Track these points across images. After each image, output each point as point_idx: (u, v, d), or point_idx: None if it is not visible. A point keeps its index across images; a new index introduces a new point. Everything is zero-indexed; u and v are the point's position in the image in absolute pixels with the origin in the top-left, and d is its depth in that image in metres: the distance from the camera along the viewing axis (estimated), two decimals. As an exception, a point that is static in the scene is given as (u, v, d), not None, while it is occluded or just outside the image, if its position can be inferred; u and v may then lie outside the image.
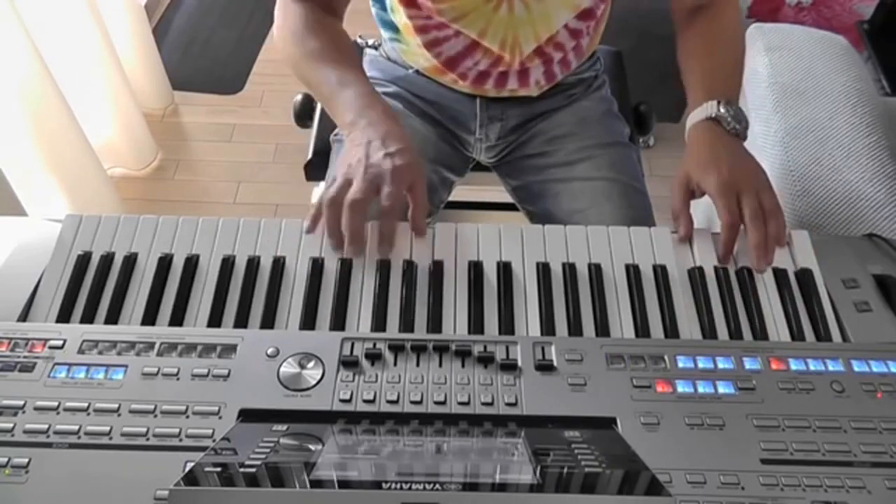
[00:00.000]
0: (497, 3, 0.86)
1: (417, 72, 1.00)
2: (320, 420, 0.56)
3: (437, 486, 0.43)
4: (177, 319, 0.67)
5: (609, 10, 0.98)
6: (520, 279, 0.70)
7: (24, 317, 0.66)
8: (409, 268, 0.70)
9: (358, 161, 0.71)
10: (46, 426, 0.55)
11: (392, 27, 0.97)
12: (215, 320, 0.67)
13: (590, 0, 0.89)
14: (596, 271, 0.71)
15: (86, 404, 0.56)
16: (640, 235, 0.74)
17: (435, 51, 0.93)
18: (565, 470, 0.47)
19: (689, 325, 0.68)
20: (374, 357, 0.60)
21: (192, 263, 0.70)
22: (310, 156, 1.16)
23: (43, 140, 1.48)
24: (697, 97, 0.82)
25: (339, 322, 0.67)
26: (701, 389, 0.59)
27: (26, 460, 0.53)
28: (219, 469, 0.47)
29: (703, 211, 0.76)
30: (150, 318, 0.67)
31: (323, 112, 1.18)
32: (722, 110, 0.79)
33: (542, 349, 0.61)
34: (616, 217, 0.92)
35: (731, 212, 0.72)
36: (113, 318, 0.67)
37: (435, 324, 0.67)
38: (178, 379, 0.58)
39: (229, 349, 0.61)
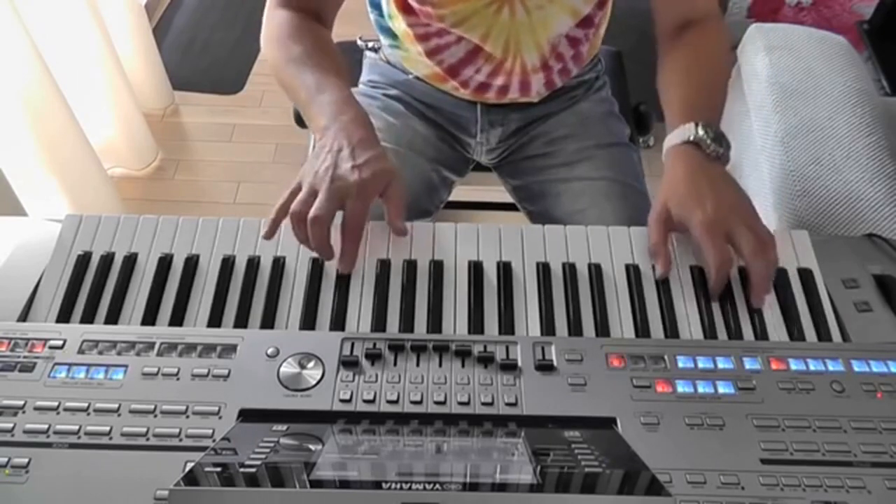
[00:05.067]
0: (498, 6, 0.86)
1: (417, 77, 1.00)
2: (320, 420, 0.56)
3: (438, 486, 0.43)
4: (177, 319, 0.67)
5: (608, 15, 0.98)
6: (520, 279, 0.70)
7: (24, 317, 0.66)
8: (409, 268, 0.70)
9: (325, 170, 0.68)
10: (46, 426, 0.55)
11: (391, 34, 0.96)
12: (215, 320, 0.67)
13: (589, 7, 0.89)
14: (596, 271, 0.71)
15: (86, 404, 0.56)
16: (640, 235, 0.74)
17: (436, 58, 0.93)
18: (565, 470, 0.47)
19: (689, 325, 0.68)
20: (374, 357, 0.60)
21: (192, 263, 0.70)
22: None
23: (43, 140, 1.48)
24: (675, 120, 0.77)
25: (339, 322, 0.67)
26: (701, 389, 0.59)
27: (26, 460, 0.53)
28: (219, 469, 0.47)
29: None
30: (150, 318, 0.67)
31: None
32: (701, 132, 0.74)
33: (542, 349, 0.61)
34: (616, 217, 0.92)
35: (722, 250, 0.67)
36: (113, 318, 0.67)
37: (435, 324, 0.67)
38: (178, 379, 0.58)
39: (229, 349, 0.61)
